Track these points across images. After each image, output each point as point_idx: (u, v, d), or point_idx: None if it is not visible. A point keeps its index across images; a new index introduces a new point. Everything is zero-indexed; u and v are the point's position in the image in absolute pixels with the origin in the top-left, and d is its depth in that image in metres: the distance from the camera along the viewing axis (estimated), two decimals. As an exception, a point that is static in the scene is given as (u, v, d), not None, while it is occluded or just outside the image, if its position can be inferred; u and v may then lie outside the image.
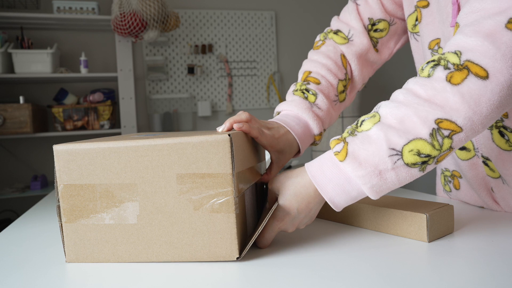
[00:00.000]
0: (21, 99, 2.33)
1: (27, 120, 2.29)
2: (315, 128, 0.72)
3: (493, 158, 0.66)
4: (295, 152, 0.69)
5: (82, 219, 0.52)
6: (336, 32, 0.80)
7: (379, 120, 0.52)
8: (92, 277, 0.47)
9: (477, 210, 0.71)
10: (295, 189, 0.55)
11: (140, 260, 0.52)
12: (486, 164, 0.67)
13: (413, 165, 0.50)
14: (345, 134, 0.54)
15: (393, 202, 0.62)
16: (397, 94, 0.53)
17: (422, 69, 0.52)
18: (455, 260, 0.48)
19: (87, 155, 0.51)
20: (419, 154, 0.49)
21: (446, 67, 0.49)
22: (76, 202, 0.52)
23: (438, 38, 0.68)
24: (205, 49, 2.90)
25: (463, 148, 0.70)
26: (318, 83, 0.74)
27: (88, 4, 2.48)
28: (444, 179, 0.81)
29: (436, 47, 0.69)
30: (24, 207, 2.63)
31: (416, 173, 0.51)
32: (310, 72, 0.76)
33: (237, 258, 0.50)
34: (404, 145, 0.49)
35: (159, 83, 2.86)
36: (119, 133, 2.70)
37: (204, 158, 0.49)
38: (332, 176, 0.53)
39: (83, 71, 2.48)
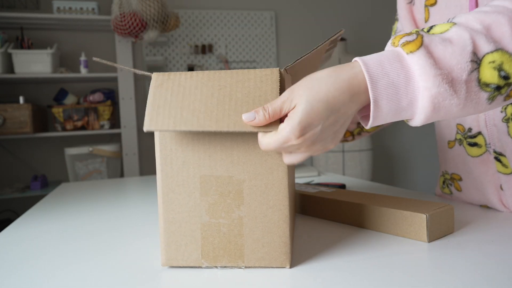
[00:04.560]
0: (21, 99, 2.33)
1: (27, 120, 2.29)
2: None
3: (508, 152, 0.65)
4: None
5: None
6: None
7: (456, 24, 0.43)
8: (94, 277, 0.47)
9: (479, 210, 0.71)
10: (327, 91, 0.41)
11: None
12: (499, 160, 0.67)
13: (486, 86, 0.41)
14: (413, 31, 0.43)
15: (393, 202, 0.62)
16: (481, 7, 0.44)
17: None
18: (455, 260, 0.48)
19: None
20: (500, 69, 0.41)
21: None
22: None
23: None
24: (205, 49, 2.90)
25: (474, 145, 0.69)
26: None
27: (88, 4, 2.48)
28: (444, 182, 0.81)
29: None
30: (24, 207, 2.63)
31: (482, 102, 0.42)
32: None
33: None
34: (488, 53, 0.41)
35: (159, 83, 2.85)
36: (119, 134, 2.70)
37: None
38: (391, 69, 0.41)
39: (83, 71, 2.49)
